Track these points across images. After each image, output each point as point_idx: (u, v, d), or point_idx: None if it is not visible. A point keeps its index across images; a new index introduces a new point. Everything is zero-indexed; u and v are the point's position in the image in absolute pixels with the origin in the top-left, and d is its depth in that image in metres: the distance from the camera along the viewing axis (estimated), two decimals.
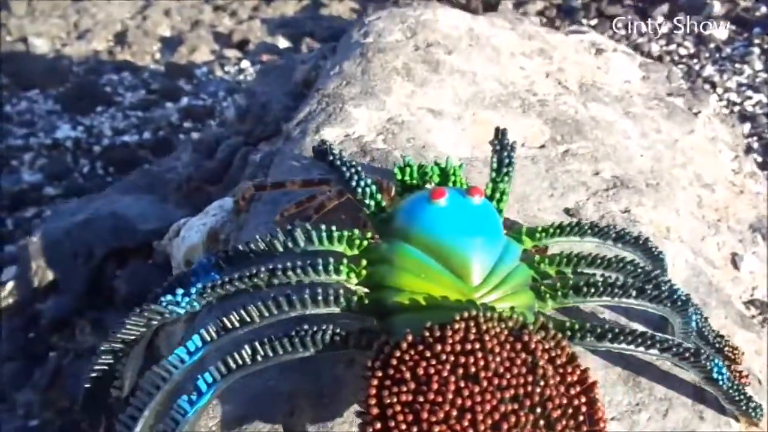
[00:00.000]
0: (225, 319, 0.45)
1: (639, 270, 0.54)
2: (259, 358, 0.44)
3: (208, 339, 0.45)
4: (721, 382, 0.53)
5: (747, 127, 1.59)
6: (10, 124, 1.92)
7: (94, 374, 0.51)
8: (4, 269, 1.41)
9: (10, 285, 0.92)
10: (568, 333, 0.49)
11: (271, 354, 0.44)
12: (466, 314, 0.41)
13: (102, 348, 0.51)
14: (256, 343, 0.44)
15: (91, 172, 1.74)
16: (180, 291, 0.48)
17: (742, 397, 0.55)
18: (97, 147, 1.83)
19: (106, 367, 0.51)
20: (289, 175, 0.75)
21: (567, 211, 0.77)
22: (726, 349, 0.62)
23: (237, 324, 0.45)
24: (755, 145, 1.55)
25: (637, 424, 0.57)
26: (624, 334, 0.49)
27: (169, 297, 0.48)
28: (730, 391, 0.54)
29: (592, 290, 0.50)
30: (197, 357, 0.45)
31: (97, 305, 0.88)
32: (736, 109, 1.62)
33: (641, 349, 0.49)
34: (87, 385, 0.51)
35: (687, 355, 0.51)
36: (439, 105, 0.86)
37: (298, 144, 0.79)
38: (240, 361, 0.44)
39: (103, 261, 0.88)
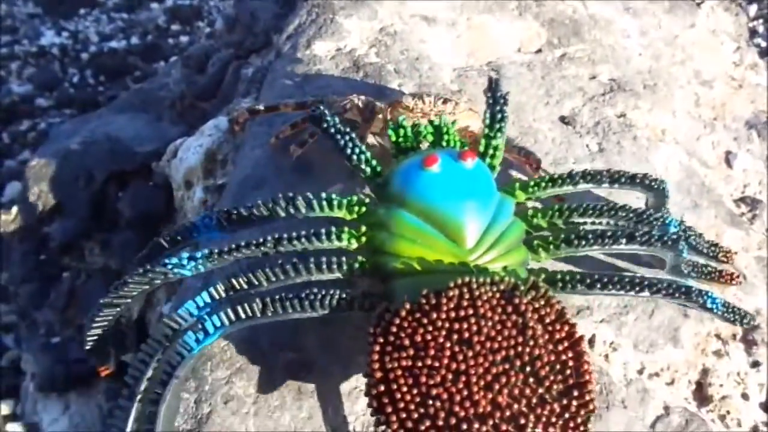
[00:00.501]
0: (234, 281, 0.47)
1: (630, 214, 0.55)
2: (269, 313, 0.46)
3: (216, 297, 0.47)
4: (716, 310, 0.56)
5: (753, 9, 1.54)
6: None
7: (96, 324, 0.53)
8: (7, 185, 1.42)
9: (14, 209, 0.94)
10: (559, 285, 0.51)
11: (280, 311, 0.46)
12: (459, 281, 0.44)
13: (103, 301, 0.52)
14: (268, 299, 0.47)
15: (82, 82, 1.71)
16: (185, 255, 0.49)
17: (735, 316, 0.58)
18: (84, 54, 1.79)
19: (108, 318, 0.53)
20: (282, 93, 0.74)
21: (562, 119, 0.77)
22: (720, 255, 0.64)
23: (245, 286, 0.48)
24: (760, 29, 1.51)
25: (625, 324, 0.61)
26: (613, 282, 0.51)
27: (174, 260, 0.49)
28: (725, 314, 0.57)
29: (583, 242, 0.52)
30: (204, 313, 0.47)
31: (104, 227, 0.90)
32: None
33: (632, 293, 0.52)
34: (91, 332, 0.53)
35: (678, 294, 0.53)
36: (433, 11, 0.84)
37: (289, 60, 0.78)
38: (250, 313, 0.46)
39: (103, 184, 0.89)
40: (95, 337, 0.53)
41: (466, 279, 0.44)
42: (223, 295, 0.48)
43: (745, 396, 0.62)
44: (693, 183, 0.76)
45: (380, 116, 0.65)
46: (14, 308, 0.95)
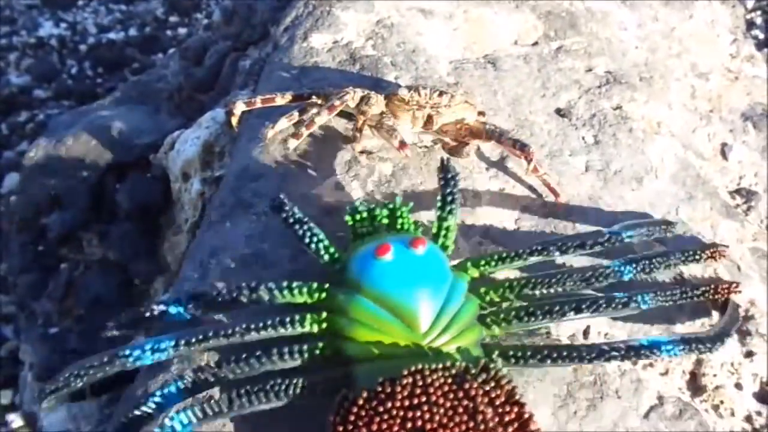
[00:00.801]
0: (200, 374, 0.50)
1: (577, 280, 0.57)
2: (235, 407, 0.49)
3: (183, 388, 0.50)
4: (676, 353, 0.56)
5: (750, 0, 1.54)
6: None
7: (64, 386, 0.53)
8: (5, 176, 1.42)
9: (13, 199, 0.94)
10: (512, 360, 0.53)
11: (246, 405, 0.49)
12: (413, 368, 0.47)
13: (61, 380, 0.53)
14: (234, 394, 0.49)
15: (80, 73, 1.71)
16: (148, 346, 0.51)
17: (696, 346, 0.57)
18: (82, 45, 1.78)
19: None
20: (280, 85, 0.74)
21: (558, 111, 0.77)
22: (705, 257, 0.64)
23: (211, 379, 0.50)
24: (758, 21, 1.51)
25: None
26: (563, 356, 0.53)
27: (136, 352, 0.51)
28: (689, 351, 0.57)
29: (532, 318, 0.55)
30: (170, 406, 0.50)
31: (102, 218, 0.90)
32: None
33: (585, 362, 0.54)
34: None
35: (633, 355, 0.54)
36: (430, 3, 0.84)
37: (286, 53, 0.78)
38: (217, 409, 0.49)
39: (102, 176, 0.89)
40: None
41: (419, 366, 0.47)
42: (189, 384, 0.50)
43: (738, 386, 0.62)
44: (688, 175, 0.77)
45: (377, 108, 0.65)
46: (13, 299, 0.96)
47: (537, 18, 0.86)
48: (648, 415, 0.57)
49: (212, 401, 0.48)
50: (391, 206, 0.59)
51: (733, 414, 0.60)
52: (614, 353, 0.54)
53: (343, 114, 0.68)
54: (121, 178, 0.90)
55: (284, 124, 0.67)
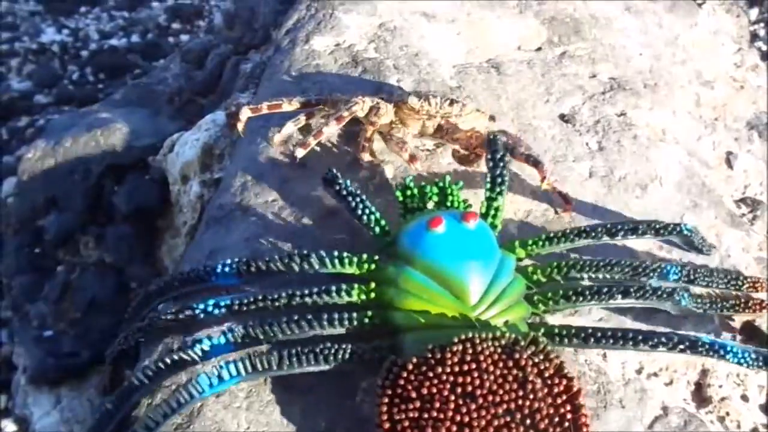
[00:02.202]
0: (250, 329, 0.51)
1: (626, 268, 0.58)
2: (284, 366, 0.49)
3: (232, 341, 0.51)
4: (732, 359, 0.56)
5: (754, 13, 1.54)
6: None
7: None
8: (4, 181, 1.42)
9: (10, 201, 0.93)
10: (557, 339, 0.54)
11: (296, 365, 0.49)
12: (463, 336, 0.47)
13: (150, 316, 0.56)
14: (285, 352, 0.49)
15: (81, 79, 1.71)
16: (212, 302, 0.53)
17: (757, 361, 0.57)
18: (84, 52, 1.78)
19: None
20: (281, 87, 0.73)
21: (562, 117, 0.76)
22: (745, 286, 0.63)
23: (261, 336, 0.51)
24: (761, 32, 1.51)
25: (623, 323, 0.60)
26: (608, 336, 0.53)
27: (203, 305, 0.53)
28: (745, 361, 0.56)
29: (581, 298, 0.55)
30: (218, 354, 0.51)
31: (99, 221, 0.89)
32: None
33: (630, 347, 0.54)
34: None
35: (681, 347, 0.54)
36: (433, 7, 0.83)
37: (288, 55, 0.77)
38: (266, 365, 0.49)
39: (99, 178, 0.88)
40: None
41: (470, 334, 0.47)
42: (240, 341, 0.50)
43: (744, 397, 0.61)
44: (693, 183, 0.76)
45: (386, 119, 0.64)
46: (8, 302, 0.94)
47: (541, 23, 0.86)
48: (652, 425, 0.56)
49: (263, 357, 0.49)
50: (441, 184, 0.59)
51: (739, 426, 0.59)
52: (661, 343, 0.53)
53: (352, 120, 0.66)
54: (119, 180, 0.89)
55: (291, 128, 0.66)
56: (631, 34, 0.89)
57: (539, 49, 0.83)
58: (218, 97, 0.92)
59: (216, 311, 0.53)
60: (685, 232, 0.63)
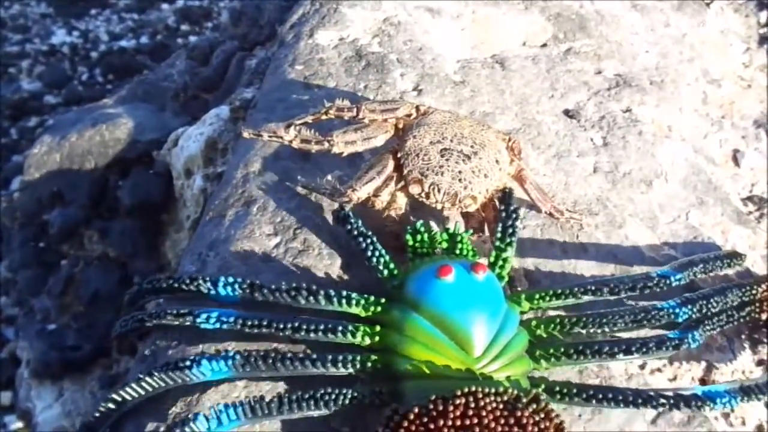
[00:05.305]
0: (252, 360, 0.50)
1: (628, 320, 0.57)
2: (285, 411, 0.49)
3: (233, 368, 0.50)
4: (733, 406, 0.55)
5: (764, 15, 1.53)
6: (4, 30, 1.88)
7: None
8: (13, 180, 1.43)
9: (16, 196, 0.94)
10: (557, 396, 0.53)
11: (296, 410, 0.49)
12: (466, 389, 0.46)
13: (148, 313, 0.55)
14: (285, 398, 0.49)
15: (90, 80, 1.72)
16: (215, 314, 0.52)
17: (753, 395, 0.57)
18: (94, 53, 1.80)
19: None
20: (285, 81, 0.73)
21: (567, 112, 0.76)
22: (763, 289, 0.62)
23: (263, 368, 0.50)
24: None
25: None
26: (609, 399, 0.53)
27: (205, 315, 0.52)
28: (745, 400, 0.56)
29: (581, 356, 0.55)
30: (218, 377, 0.50)
31: (103, 215, 0.89)
32: None
33: (631, 407, 0.53)
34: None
35: (680, 406, 0.53)
36: (437, 2, 0.83)
37: (292, 49, 0.77)
38: (267, 411, 0.48)
39: (104, 172, 0.89)
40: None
41: (473, 388, 0.46)
42: (240, 370, 0.50)
43: None
44: (699, 180, 0.75)
45: (397, 197, 0.61)
46: (13, 297, 0.95)
47: (546, 20, 0.85)
48: (656, 421, 0.55)
49: (263, 402, 0.48)
50: (451, 231, 0.59)
51: (743, 423, 0.58)
52: (662, 401, 0.53)
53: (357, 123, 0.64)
54: (123, 175, 0.89)
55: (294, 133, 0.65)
56: (638, 32, 0.88)
57: (544, 45, 0.83)
58: (223, 92, 0.93)
59: (218, 325, 0.52)
60: (675, 283, 0.61)
